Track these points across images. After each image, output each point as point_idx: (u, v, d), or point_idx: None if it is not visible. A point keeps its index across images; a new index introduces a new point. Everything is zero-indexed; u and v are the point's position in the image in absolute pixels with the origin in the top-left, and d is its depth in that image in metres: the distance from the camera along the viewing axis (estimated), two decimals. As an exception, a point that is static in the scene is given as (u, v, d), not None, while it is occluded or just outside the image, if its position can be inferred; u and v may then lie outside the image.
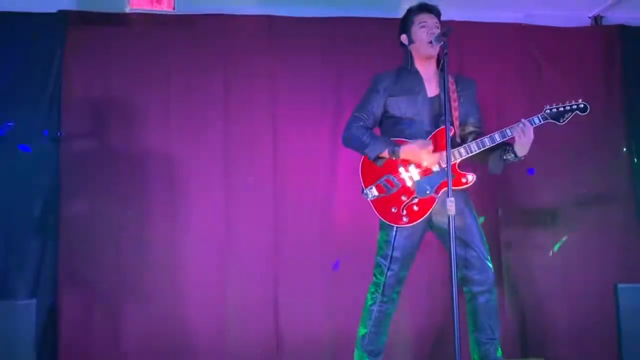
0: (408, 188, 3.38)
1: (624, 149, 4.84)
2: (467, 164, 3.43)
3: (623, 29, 4.91)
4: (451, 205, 3.05)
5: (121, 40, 4.51)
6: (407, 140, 3.37)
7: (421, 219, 3.35)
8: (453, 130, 3.34)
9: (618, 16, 4.93)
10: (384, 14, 4.54)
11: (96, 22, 4.47)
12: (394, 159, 3.36)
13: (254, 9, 4.64)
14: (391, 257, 3.38)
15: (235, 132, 4.55)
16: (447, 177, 3.08)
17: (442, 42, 3.27)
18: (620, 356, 4.30)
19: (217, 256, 4.45)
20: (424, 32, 3.41)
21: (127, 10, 4.28)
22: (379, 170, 3.40)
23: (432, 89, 3.45)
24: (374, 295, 3.44)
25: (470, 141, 3.39)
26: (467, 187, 3.38)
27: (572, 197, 4.72)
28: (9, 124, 4.34)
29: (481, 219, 3.69)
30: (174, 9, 4.27)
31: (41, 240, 4.30)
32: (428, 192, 3.34)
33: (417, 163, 3.36)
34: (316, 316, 4.46)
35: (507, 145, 3.36)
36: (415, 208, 3.35)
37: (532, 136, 3.28)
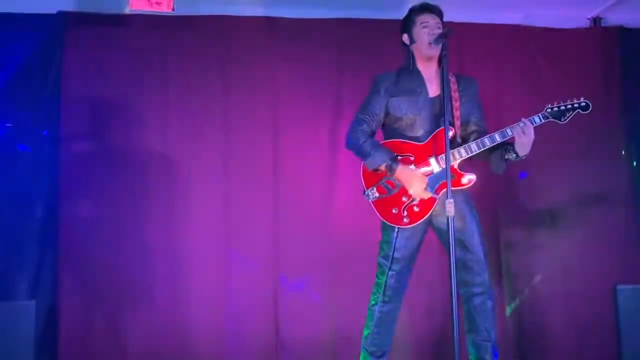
0: (408, 189, 3.38)
1: (623, 150, 4.84)
2: (468, 164, 3.43)
3: (622, 30, 4.92)
4: (450, 207, 3.05)
5: (121, 41, 4.51)
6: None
7: (422, 220, 3.35)
8: (453, 131, 3.34)
9: (617, 17, 4.93)
10: (384, 15, 4.55)
11: (96, 23, 4.48)
12: (388, 174, 3.36)
13: (254, 10, 4.64)
14: (392, 257, 3.37)
15: (235, 133, 4.56)
16: (447, 177, 3.09)
17: (442, 43, 3.28)
18: (620, 357, 4.31)
19: (217, 256, 4.45)
20: (425, 33, 3.41)
21: (127, 11, 4.28)
22: (379, 172, 3.41)
23: (433, 89, 3.45)
24: (375, 296, 3.44)
25: (472, 141, 3.39)
26: (467, 188, 3.37)
27: (572, 198, 4.72)
28: (8, 124, 4.34)
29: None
30: (173, 10, 4.25)
31: (40, 240, 4.30)
32: (428, 192, 3.34)
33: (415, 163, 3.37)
34: (316, 316, 4.46)
35: (508, 145, 3.35)
36: (416, 209, 3.35)
37: (532, 136, 3.27)
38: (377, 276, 3.45)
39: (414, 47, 3.48)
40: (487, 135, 3.35)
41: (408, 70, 3.50)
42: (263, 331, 4.41)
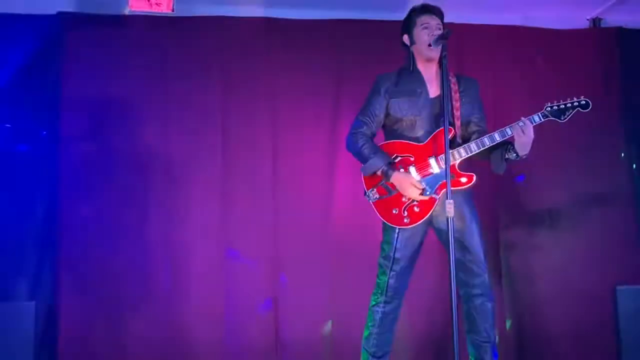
0: (408, 189, 3.38)
1: (623, 151, 4.84)
2: (468, 164, 3.43)
3: (621, 31, 4.92)
4: (450, 208, 3.06)
5: (120, 42, 4.50)
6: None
7: (422, 220, 3.35)
8: (453, 131, 3.34)
9: (616, 18, 4.94)
10: (384, 16, 4.56)
11: (95, 23, 4.47)
12: (384, 180, 3.37)
13: (253, 11, 4.64)
14: (393, 258, 3.38)
15: (235, 133, 4.55)
16: (446, 178, 3.09)
17: (442, 45, 3.28)
18: (620, 357, 4.31)
19: (217, 256, 4.45)
20: (425, 34, 3.41)
21: (127, 12, 4.28)
22: (378, 175, 3.41)
23: (433, 90, 3.45)
24: (376, 297, 3.45)
25: (472, 141, 3.39)
26: (468, 188, 3.37)
27: (572, 199, 4.72)
28: (7, 125, 4.34)
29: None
30: (173, 11, 4.27)
31: (40, 241, 4.29)
32: (428, 192, 3.34)
33: (416, 165, 3.37)
34: (316, 316, 4.47)
35: (508, 145, 3.35)
36: (416, 209, 3.35)
37: (532, 135, 3.26)
38: (377, 276, 3.45)
39: (414, 48, 3.48)
40: (487, 135, 3.35)
41: (408, 71, 3.50)
42: (263, 331, 4.41)
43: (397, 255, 3.37)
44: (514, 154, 3.32)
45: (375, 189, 3.40)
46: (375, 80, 3.52)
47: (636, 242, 4.73)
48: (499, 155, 3.39)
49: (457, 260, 3.13)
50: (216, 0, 4.59)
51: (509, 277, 4.64)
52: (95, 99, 4.45)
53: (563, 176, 4.71)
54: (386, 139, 3.52)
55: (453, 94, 3.39)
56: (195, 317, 4.36)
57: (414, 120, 3.42)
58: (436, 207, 3.35)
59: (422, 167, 3.37)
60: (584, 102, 3.36)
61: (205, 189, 4.49)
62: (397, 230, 3.37)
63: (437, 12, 3.47)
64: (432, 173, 3.36)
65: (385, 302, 3.41)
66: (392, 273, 3.38)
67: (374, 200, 3.40)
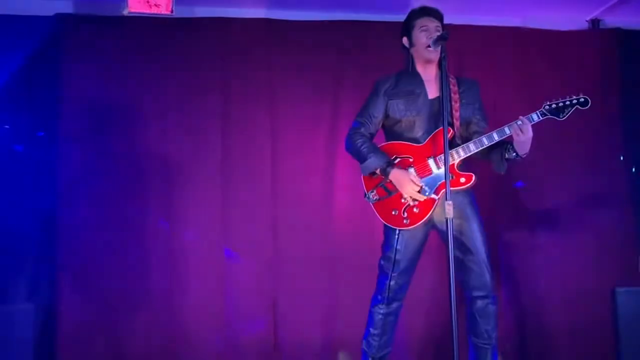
0: (407, 190, 3.37)
1: (622, 153, 4.84)
2: (468, 164, 3.43)
3: (621, 32, 4.92)
4: (449, 208, 3.05)
5: (119, 43, 4.49)
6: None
7: (422, 221, 3.34)
8: (452, 132, 3.34)
9: (616, 19, 4.94)
10: (384, 17, 4.56)
11: (94, 25, 4.46)
12: (384, 178, 3.36)
13: (252, 12, 4.64)
14: (393, 260, 3.37)
15: (234, 134, 4.55)
16: (446, 178, 3.09)
17: (440, 46, 3.28)
18: (619, 359, 4.30)
19: (216, 257, 4.44)
20: (424, 36, 3.40)
21: (125, 13, 4.27)
22: (377, 175, 3.40)
23: (433, 91, 3.44)
24: (377, 298, 3.44)
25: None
26: (468, 188, 3.36)
27: (571, 200, 4.72)
28: (6, 126, 4.33)
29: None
30: (172, 12, 4.26)
31: (39, 243, 4.28)
32: (427, 193, 3.33)
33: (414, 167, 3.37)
34: (315, 317, 4.47)
35: (508, 144, 3.34)
36: (416, 210, 3.34)
37: (531, 133, 3.24)
38: (378, 278, 3.45)
39: (413, 51, 3.48)
40: (485, 135, 3.34)
41: (407, 73, 3.50)
42: (262, 332, 4.40)
43: (398, 257, 3.36)
44: (514, 154, 3.31)
45: (375, 191, 3.39)
46: (374, 83, 3.52)
47: (635, 243, 4.73)
48: (499, 155, 3.38)
49: (458, 261, 3.12)
50: (215, 2, 4.58)
51: (509, 278, 4.63)
52: (94, 100, 4.44)
53: (563, 177, 4.71)
54: (386, 140, 3.52)
55: (452, 94, 3.38)
56: (194, 317, 4.36)
57: (413, 121, 3.41)
58: (436, 208, 3.34)
59: (421, 167, 3.37)
60: (583, 99, 3.34)
61: (205, 189, 4.48)
62: (397, 232, 3.36)
63: (436, 14, 3.46)
64: (431, 173, 3.36)
65: (386, 304, 3.41)
66: (392, 275, 3.37)
67: (374, 202, 3.40)
